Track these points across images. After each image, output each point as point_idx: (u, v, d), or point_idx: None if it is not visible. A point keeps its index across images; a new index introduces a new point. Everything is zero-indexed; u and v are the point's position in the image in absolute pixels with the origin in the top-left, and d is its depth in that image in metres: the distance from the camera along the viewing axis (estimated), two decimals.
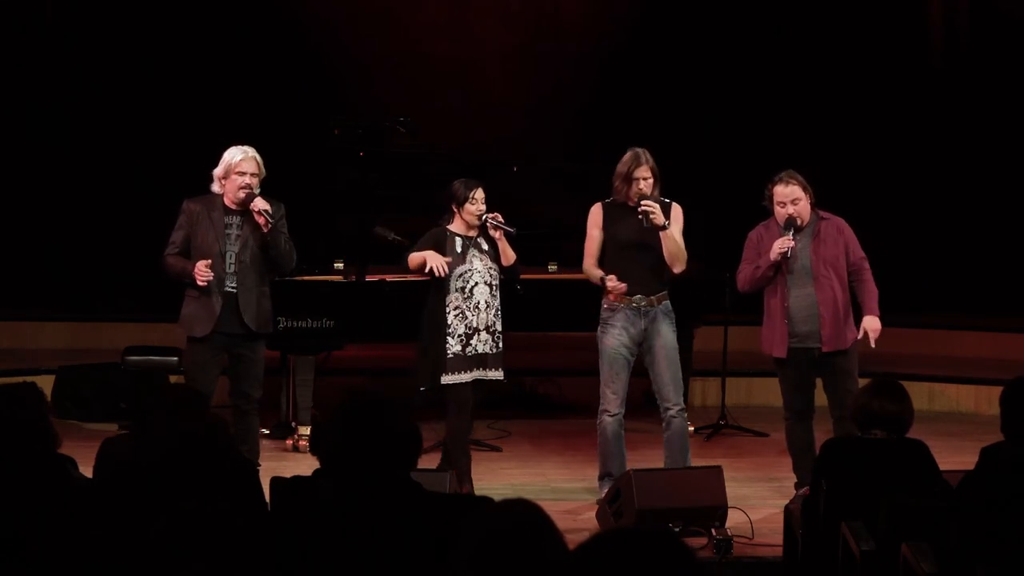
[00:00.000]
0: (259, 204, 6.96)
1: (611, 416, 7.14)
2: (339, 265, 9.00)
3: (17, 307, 11.47)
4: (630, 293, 7.09)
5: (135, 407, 8.19)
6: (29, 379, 4.73)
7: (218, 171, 7.09)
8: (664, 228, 6.99)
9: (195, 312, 7.13)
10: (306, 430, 8.45)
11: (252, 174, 7.03)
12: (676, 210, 7.14)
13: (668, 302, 7.19)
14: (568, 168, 10.11)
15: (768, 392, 10.08)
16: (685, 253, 7.10)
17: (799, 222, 7.06)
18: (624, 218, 7.08)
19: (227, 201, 7.10)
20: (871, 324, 7.16)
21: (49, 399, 6.27)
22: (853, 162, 12.09)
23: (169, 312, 11.06)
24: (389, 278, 8.73)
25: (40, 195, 12.11)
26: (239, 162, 7.03)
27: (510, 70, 12.74)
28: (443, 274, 7.14)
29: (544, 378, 10.11)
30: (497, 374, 7.32)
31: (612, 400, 7.13)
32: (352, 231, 8.91)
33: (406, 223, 9.02)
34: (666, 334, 7.12)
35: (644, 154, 7.08)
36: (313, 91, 12.03)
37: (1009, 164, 12.35)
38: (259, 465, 7.29)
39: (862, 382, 6.47)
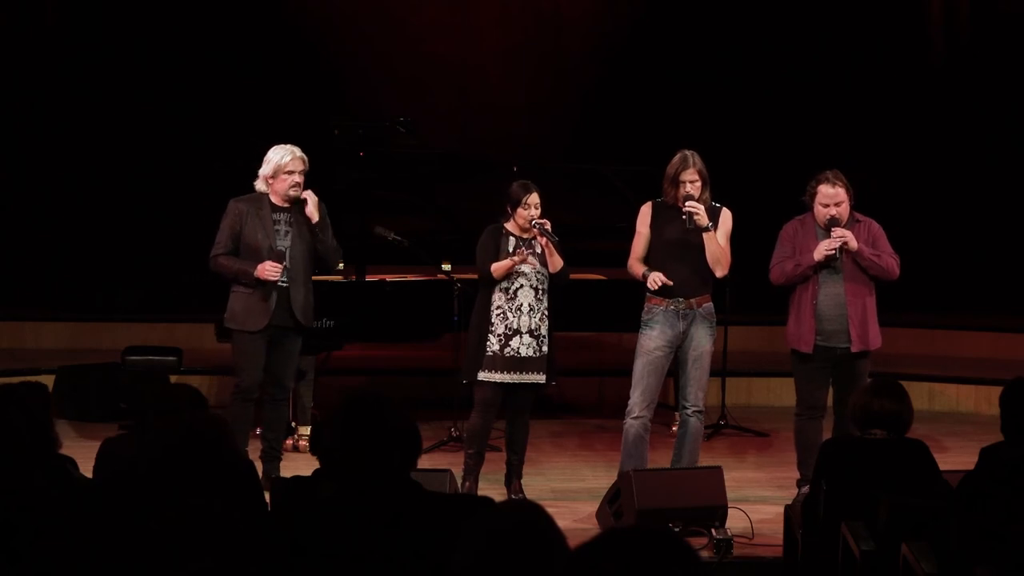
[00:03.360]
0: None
1: (635, 418, 7.11)
2: (339, 265, 8.99)
3: (17, 307, 11.48)
4: (671, 295, 7.09)
5: (135, 407, 8.21)
6: (29, 379, 4.73)
7: (266, 171, 7.27)
8: (707, 229, 6.98)
9: (249, 306, 7.26)
10: (306, 430, 8.45)
11: (300, 172, 7.25)
12: (725, 215, 7.12)
13: (710, 304, 7.16)
14: (568, 168, 10.11)
15: (768, 392, 10.11)
16: (728, 257, 7.09)
17: (840, 223, 7.06)
18: (671, 219, 7.06)
19: (274, 199, 7.28)
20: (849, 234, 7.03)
21: None
22: (853, 161, 12.06)
23: (169, 312, 11.15)
24: (389, 278, 8.74)
25: (40, 195, 12.12)
26: (288, 162, 7.24)
27: (510, 70, 12.74)
28: (523, 259, 7.13)
29: None
30: (537, 377, 7.23)
31: (638, 403, 7.11)
32: (352, 231, 8.91)
33: (406, 223, 9.03)
34: (702, 338, 7.10)
35: (692, 156, 7.05)
36: (313, 91, 12.04)
37: (1009, 163, 12.36)
38: (281, 456, 7.52)
39: None
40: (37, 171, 12.14)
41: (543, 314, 7.22)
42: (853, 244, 7.00)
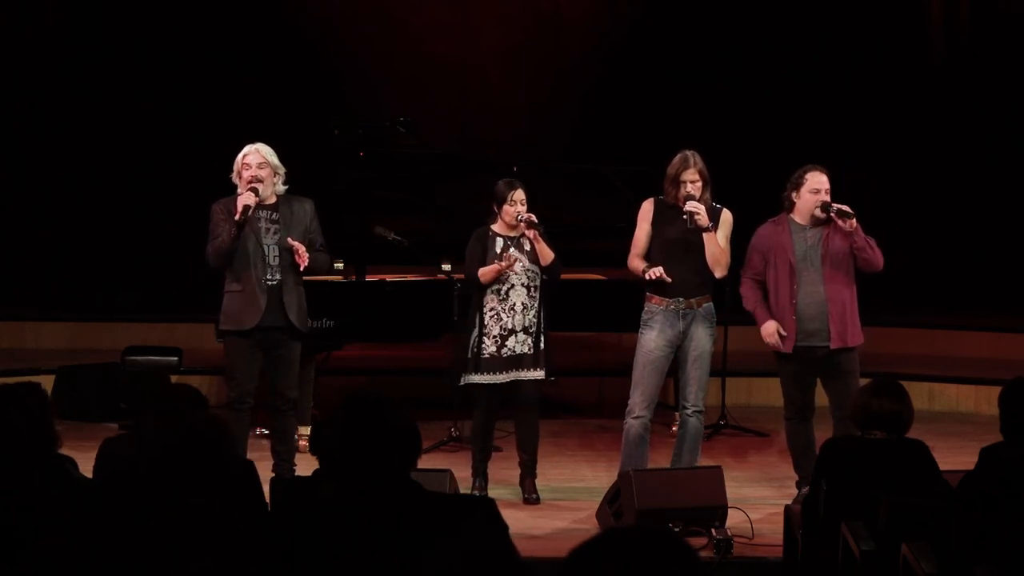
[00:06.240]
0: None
1: (635, 418, 7.11)
2: (339, 265, 9.00)
3: (17, 307, 11.48)
4: (671, 295, 7.09)
5: (135, 407, 8.19)
6: (29, 379, 4.72)
7: (233, 172, 7.19)
8: (708, 230, 6.98)
9: (240, 305, 7.11)
10: (306, 430, 8.45)
11: (258, 165, 7.11)
12: (725, 215, 7.12)
13: (710, 304, 7.16)
14: (568, 168, 10.11)
15: (768, 392, 10.09)
16: (728, 258, 7.09)
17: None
18: (671, 218, 7.05)
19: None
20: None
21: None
22: (853, 161, 12.09)
23: (169, 312, 11.15)
24: (389, 278, 8.74)
25: (40, 195, 12.12)
26: (243, 156, 7.15)
27: (510, 70, 12.75)
28: (510, 264, 7.17)
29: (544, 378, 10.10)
30: (536, 373, 7.28)
31: (638, 403, 7.11)
32: (352, 231, 8.91)
33: (406, 223, 9.03)
34: (701, 338, 7.10)
35: (693, 156, 7.04)
36: (313, 91, 12.04)
37: (1009, 163, 12.36)
38: (295, 465, 7.36)
39: (862, 382, 6.47)
40: (37, 171, 12.14)
41: (537, 311, 7.25)
42: (853, 222, 7.00)
